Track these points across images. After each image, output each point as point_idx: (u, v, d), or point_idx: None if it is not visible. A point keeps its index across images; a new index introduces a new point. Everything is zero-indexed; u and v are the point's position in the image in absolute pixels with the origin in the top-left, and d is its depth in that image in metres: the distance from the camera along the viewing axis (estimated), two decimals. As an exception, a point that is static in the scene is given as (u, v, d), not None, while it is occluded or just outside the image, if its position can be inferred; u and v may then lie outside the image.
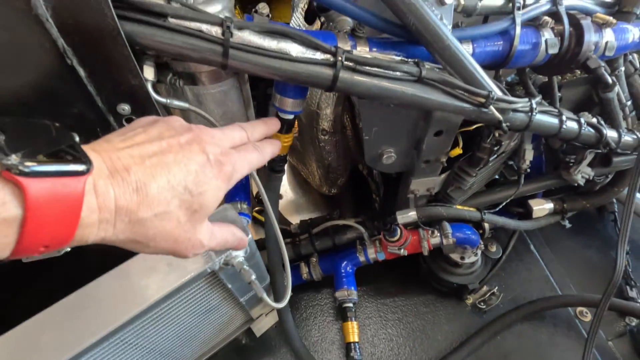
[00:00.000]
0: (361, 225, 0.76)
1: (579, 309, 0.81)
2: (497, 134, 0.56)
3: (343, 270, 0.75)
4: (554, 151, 0.70)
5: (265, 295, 0.48)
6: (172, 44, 0.35)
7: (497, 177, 0.85)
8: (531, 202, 0.79)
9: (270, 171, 0.58)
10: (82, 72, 0.33)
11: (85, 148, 0.27)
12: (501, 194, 0.72)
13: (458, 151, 0.55)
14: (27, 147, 0.23)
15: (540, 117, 0.54)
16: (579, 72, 0.77)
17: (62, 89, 0.33)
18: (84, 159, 0.25)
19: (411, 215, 0.59)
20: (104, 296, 0.46)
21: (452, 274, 0.77)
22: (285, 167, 1.24)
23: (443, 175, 0.62)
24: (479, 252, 0.77)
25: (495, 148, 0.56)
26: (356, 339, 0.70)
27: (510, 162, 0.84)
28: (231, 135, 0.36)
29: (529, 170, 0.65)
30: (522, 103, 0.51)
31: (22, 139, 0.24)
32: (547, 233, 0.93)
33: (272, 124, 0.44)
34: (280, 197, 1.03)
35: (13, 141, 0.23)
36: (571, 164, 0.67)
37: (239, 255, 0.50)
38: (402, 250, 0.68)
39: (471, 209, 0.62)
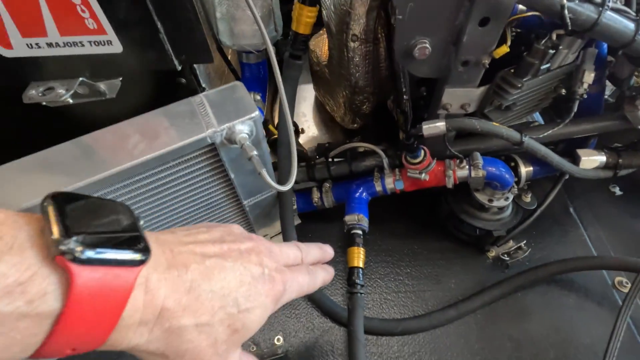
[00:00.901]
0: (383, 152, 0.70)
1: (618, 278, 0.71)
2: (554, 36, 0.48)
3: (356, 196, 0.70)
4: (619, 84, 0.60)
5: (264, 171, 0.44)
6: None
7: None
8: (580, 151, 0.69)
9: (290, 57, 0.53)
10: None
11: (149, 235, 0.24)
12: (545, 129, 0.63)
13: (505, 49, 0.47)
14: (89, 228, 0.20)
15: (611, 16, 0.45)
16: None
17: None
18: (143, 247, 0.23)
19: (439, 125, 0.52)
20: (98, 148, 0.44)
21: (477, 218, 0.70)
22: (312, 103, 1.18)
23: (482, 88, 0.54)
24: (511, 197, 0.69)
25: (551, 51, 0.47)
26: (360, 265, 0.65)
27: (560, 120, 0.75)
28: (287, 253, 0.36)
29: (585, 96, 0.56)
30: (593, -11, 0.43)
31: (86, 218, 0.21)
32: (591, 197, 0.83)
33: (327, 251, 0.43)
34: (302, 130, 0.99)
35: (76, 221, 0.20)
36: (638, 98, 0.57)
37: (243, 131, 0.46)
38: (423, 175, 0.62)
39: (509, 128, 0.54)
